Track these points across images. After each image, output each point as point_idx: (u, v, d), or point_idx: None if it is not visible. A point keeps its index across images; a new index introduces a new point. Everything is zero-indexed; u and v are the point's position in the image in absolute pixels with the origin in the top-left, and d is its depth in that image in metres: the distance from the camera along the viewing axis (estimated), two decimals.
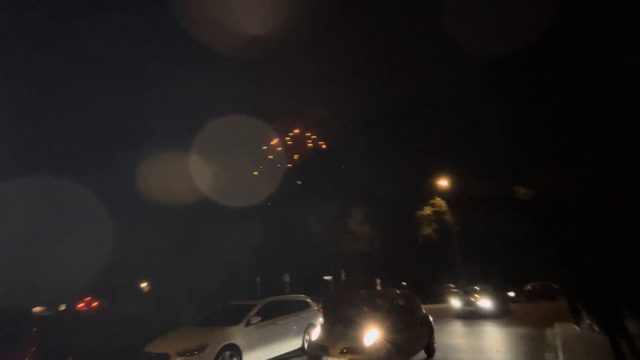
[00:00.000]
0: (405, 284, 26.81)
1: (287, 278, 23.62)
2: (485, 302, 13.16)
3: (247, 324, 7.07)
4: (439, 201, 26.76)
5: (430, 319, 7.64)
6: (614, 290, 4.27)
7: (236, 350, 6.57)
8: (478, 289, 14.75)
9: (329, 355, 5.50)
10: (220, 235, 22.26)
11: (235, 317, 7.28)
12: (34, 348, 7.93)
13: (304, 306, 9.18)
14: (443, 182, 25.16)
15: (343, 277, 25.11)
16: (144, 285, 24.14)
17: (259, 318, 7.27)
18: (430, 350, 7.18)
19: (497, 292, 14.40)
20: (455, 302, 14.44)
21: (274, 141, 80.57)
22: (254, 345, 6.96)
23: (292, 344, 8.08)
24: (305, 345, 8.14)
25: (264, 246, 27.83)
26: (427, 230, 26.70)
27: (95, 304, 22.35)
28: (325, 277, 26.48)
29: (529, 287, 21.06)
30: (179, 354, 6.06)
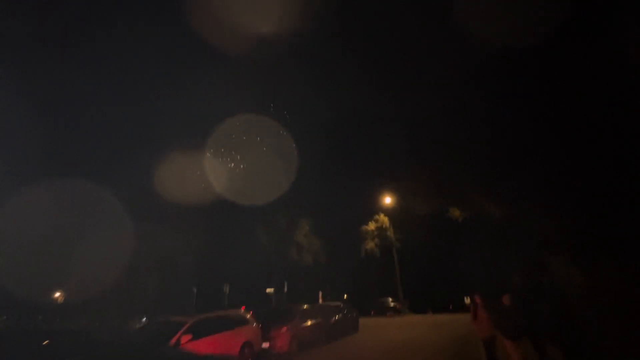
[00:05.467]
0: (346, 296, 27.19)
1: (226, 289, 22.48)
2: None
3: (176, 345, 6.48)
4: (382, 217, 27.79)
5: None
6: (532, 313, 4.68)
7: None
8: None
9: None
10: (158, 238, 20.10)
11: (163, 336, 6.65)
12: None
13: (241, 322, 8.72)
14: (387, 200, 26.28)
15: (285, 289, 24.66)
16: (57, 295, 20.97)
17: (190, 337, 6.72)
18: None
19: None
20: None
21: None
22: None
23: None
24: None
25: (206, 254, 26.06)
26: (370, 244, 27.51)
27: None
28: (268, 290, 25.76)
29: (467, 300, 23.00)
30: None
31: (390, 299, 24.64)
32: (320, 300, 23.56)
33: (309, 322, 10.71)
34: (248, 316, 9.32)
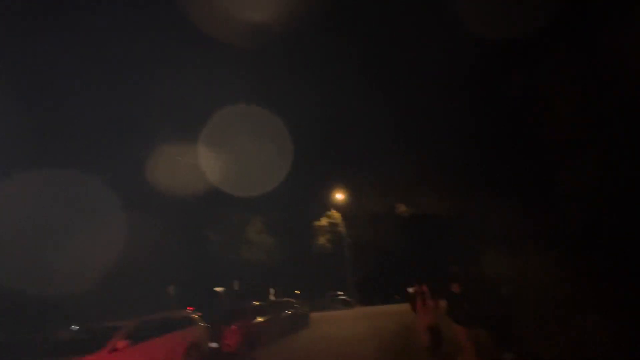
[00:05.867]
0: (298, 292, 27.24)
1: (172, 291, 21.29)
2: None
3: (112, 350, 5.95)
4: (334, 213, 28.28)
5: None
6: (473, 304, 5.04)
7: None
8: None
9: None
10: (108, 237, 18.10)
11: (96, 342, 6.06)
12: None
13: (186, 323, 8.28)
14: (339, 196, 26.80)
15: (236, 287, 24.03)
16: None
17: (127, 342, 6.20)
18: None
19: None
20: None
21: None
22: None
23: None
24: None
25: (154, 253, 24.19)
26: (322, 240, 27.88)
27: None
28: (217, 289, 24.89)
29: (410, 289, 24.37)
30: None
31: (340, 293, 25.23)
32: (272, 297, 23.34)
33: (260, 320, 10.53)
34: (194, 316, 8.89)
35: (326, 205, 28.47)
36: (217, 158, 23.65)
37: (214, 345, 8.84)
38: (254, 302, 11.65)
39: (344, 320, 15.27)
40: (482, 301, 5.01)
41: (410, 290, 7.53)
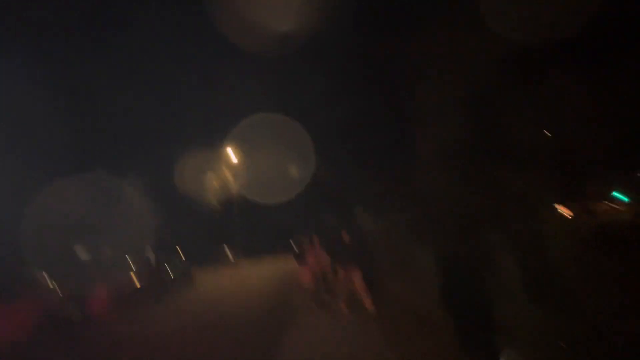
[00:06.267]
0: (180, 249, 26.03)
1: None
2: None
3: None
4: (224, 170, 27.34)
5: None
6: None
7: None
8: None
9: None
10: None
11: None
12: None
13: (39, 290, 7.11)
14: (230, 152, 25.88)
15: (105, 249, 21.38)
16: None
17: None
18: None
19: None
20: None
21: None
22: None
23: None
24: None
25: None
26: (210, 196, 26.88)
27: None
28: (79, 250, 21.65)
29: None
30: None
31: (227, 248, 25.30)
32: (151, 256, 21.76)
33: (135, 281, 9.85)
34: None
35: (217, 161, 27.19)
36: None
37: (71, 312, 7.83)
38: (128, 261, 10.76)
39: (231, 275, 15.56)
40: (362, 250, 5.86)
41: (298, 241, 7.90)
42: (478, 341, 2.89)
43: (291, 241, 8.17)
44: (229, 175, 27.26)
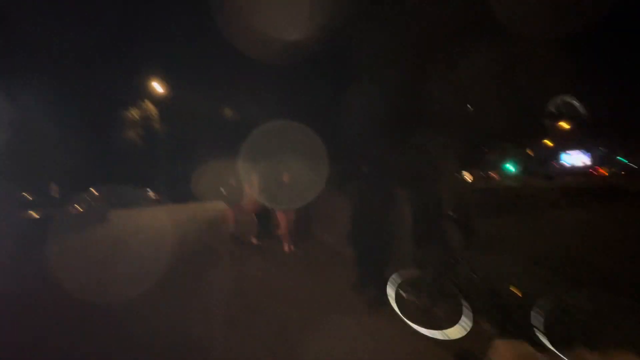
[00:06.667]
0: (94, 190, 23.74)
1: None
2: None
3: None
4: (149, 105, 24.81)
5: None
6: None
7: None
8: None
9: None
10: None
11: None
12: None
13: None
14: (157, 87, 23.40)
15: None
16: None
17: None
18: None
19: None
20: None
21: None
22: None
23: None
24: None
25: None
26: (132, 133, 24.45)
27: None
28: None
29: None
30: None
31: (149, 189, 23.76)
32: (54, 190, 19.52)
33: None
34: None
35: (140, 95, 24.40)
36: None
37: None
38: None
39: (155, 216, 14.94)
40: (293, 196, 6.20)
41: (230, 185, 7.83)
42: (375, 269, 3.62)
43: (222, 188, 8.04)
44: (153, 109, 24.90)
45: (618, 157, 41.45)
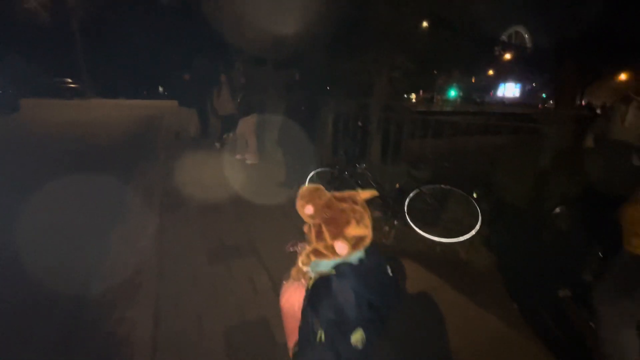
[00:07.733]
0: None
1: None
2: None
3: None
4: None
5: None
6: None
7: None
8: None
9: None
10: None
11: None
12: None
13: None
14: None
15: None
16: None
17: None
18: None
19: None
20: None
21: None
22: None
23: None
24: None
25: None
26: (32, 5, 19.72)
27: None
28: None
29: None
30: None
31: (69, 79, 20.39)
32: None
33: None
34: None
35: None
36: None
37: None
38: None
39: (76, 110, 13.29)
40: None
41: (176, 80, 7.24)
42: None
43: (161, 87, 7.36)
44: None
45: (543, 94, 45.55)
